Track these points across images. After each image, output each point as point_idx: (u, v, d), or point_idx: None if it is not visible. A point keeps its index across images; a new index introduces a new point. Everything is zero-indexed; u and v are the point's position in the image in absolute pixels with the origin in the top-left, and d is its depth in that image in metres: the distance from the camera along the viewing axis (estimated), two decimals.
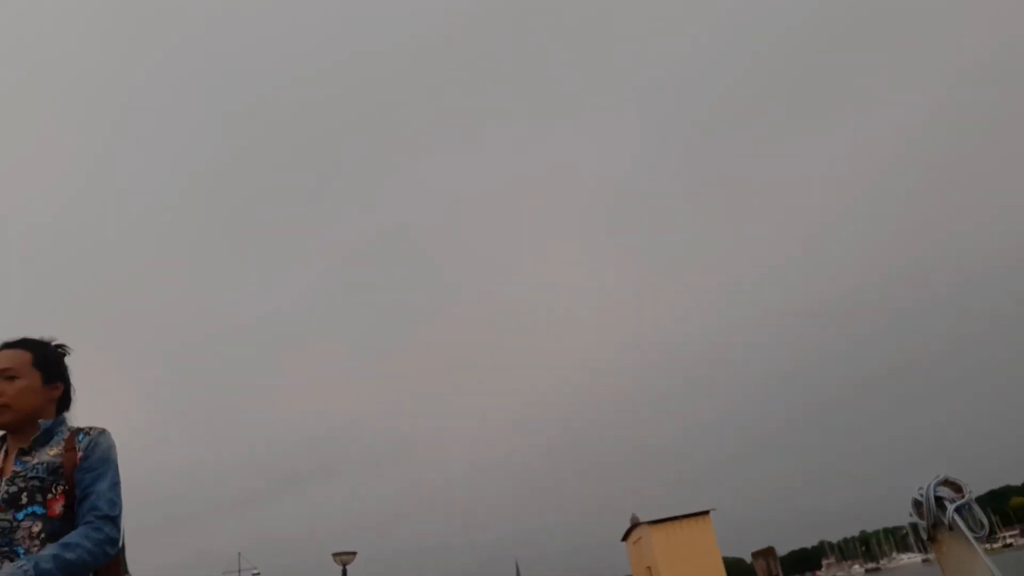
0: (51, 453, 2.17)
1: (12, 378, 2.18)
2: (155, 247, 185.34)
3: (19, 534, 2.04)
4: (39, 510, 2.08)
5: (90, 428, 2.28)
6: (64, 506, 2.11)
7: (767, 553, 17.33)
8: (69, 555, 1.95)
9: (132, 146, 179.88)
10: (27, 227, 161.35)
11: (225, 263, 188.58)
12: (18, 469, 2.13)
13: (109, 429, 2.28)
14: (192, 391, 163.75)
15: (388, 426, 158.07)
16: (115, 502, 2.15)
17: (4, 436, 2.27)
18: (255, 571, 45.58)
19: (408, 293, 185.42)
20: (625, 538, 22.35)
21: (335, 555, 17.75)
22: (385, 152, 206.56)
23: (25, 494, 2.09)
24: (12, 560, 1.98)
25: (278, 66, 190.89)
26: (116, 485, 2.19)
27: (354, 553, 17.70)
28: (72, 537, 2.01)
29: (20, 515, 2.07)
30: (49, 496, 2.10)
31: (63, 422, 2.28)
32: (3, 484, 2.11)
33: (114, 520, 2.11)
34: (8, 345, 2.26)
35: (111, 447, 2.25)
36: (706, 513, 17.74)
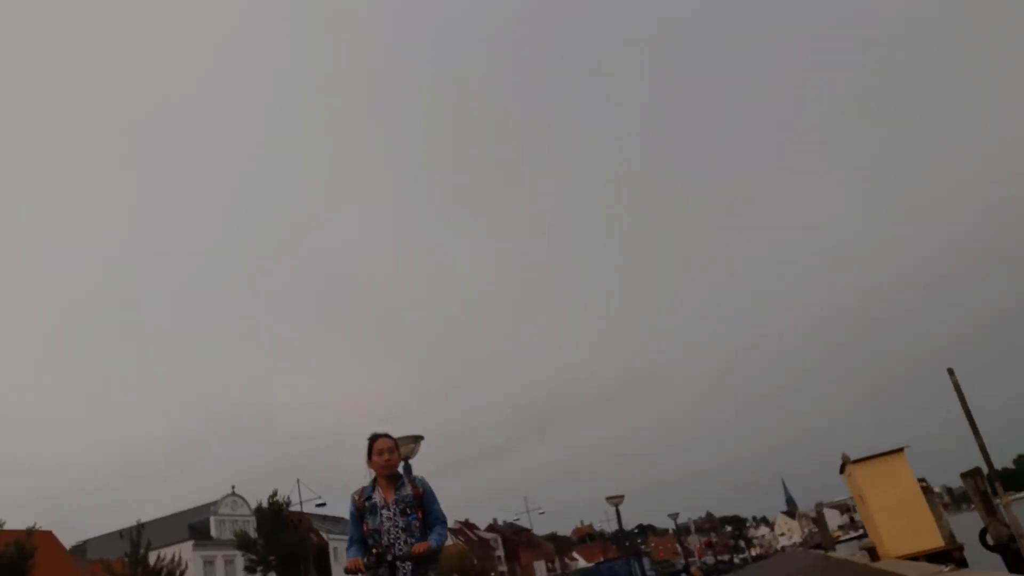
0: (406, 492, 4.58)
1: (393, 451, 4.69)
2: None
3: (411, 529, 4.47)
4: (414, 519, 4.50)
5: (414, 476, 4.72)
6: (420, 518, 4.52)
7: (974, 473, 19.81)
8: (441, 538, 4.49)
9: None
10: None
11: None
12: (397, 498, 4.53)
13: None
14: (441, 356, 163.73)
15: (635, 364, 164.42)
16: (443, 514, 4.63)
17: (374, 481, 4.63)
18: (540, 511, 55.79)
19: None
20: (841, 472, 28.63)
21: (608, 499, 21.26)
22: None
23: (409, 509, 4.51)
24: (410, 543, 4.40)
25: None
26: (439, 504, 4.64)
27: (622, 496, 21.19)
28: (435, 531, 4.50)
29: (411, 518, 4.49)
30: (416, 512, 4.52)
31: (405, 474, 4.79)
32: (392, 505, 4.49)
33: (445, 523, 4.63)
34: (387, 436, 4.72)
35: (428, 483, 4.65)
36: (900, 451, 22.53)
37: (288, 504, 39.72)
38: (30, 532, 37.30)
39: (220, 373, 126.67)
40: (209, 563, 53.92)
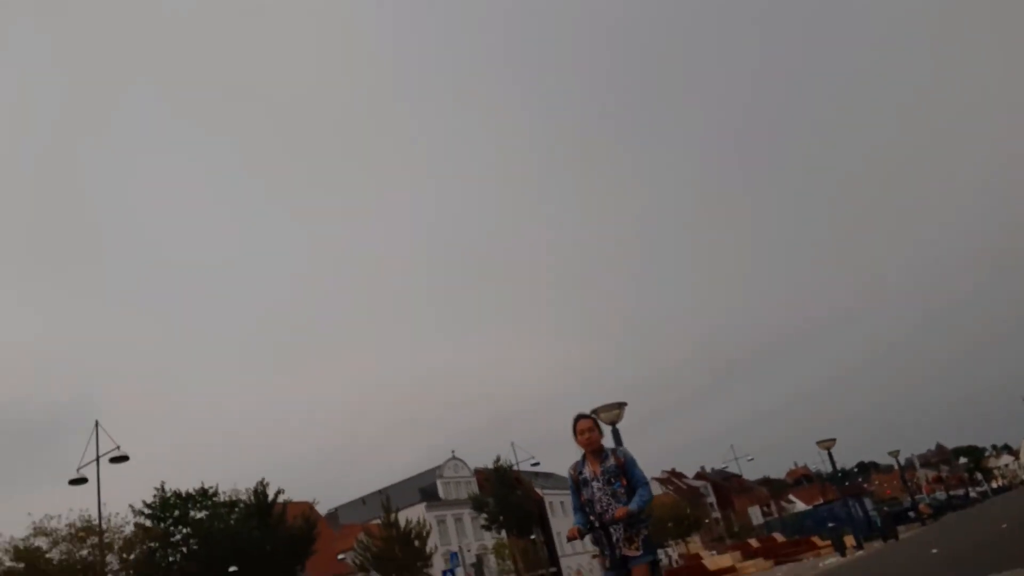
0: (610, 463, 5.17)
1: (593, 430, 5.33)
2: None
3: (617, 495, 5.03)
4: (619, 486, 5.06)
5: (616, 448, 5.39)
6: (624, 485, 5.07)
7: None
8: (643, 500, 4.96)
9: None
10: None
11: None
12: (603, 470, 5.15)
13: None
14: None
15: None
16: (644, 477, 5.16)
17: (583, 456, 5.27)
18: (749, 458, 59.80)
19: None
20: None
21: (819, 443, 22.59)
22: None
23: (613, 478, 5.09)
24: (617, 507, 4.95)
25: None
26: (639, 471, 5.18)
27: (833, 440, 22.48)
28: (636, 495, 4.98)
29: (616, 486, 5.06)
30: (620, 480, 5.08)
31: (607, 448, 5.33)
32: (600, 477, 5.11)
33: (648, 485, 5.14)
34: (587, 416, 5.38)
35: (629, 453, 5.31)
36: None
37: (510, 466, 42.90)
38: (311, 506, 43.08)
39: (429, 343, 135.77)
40: (441, 522, 59.30)
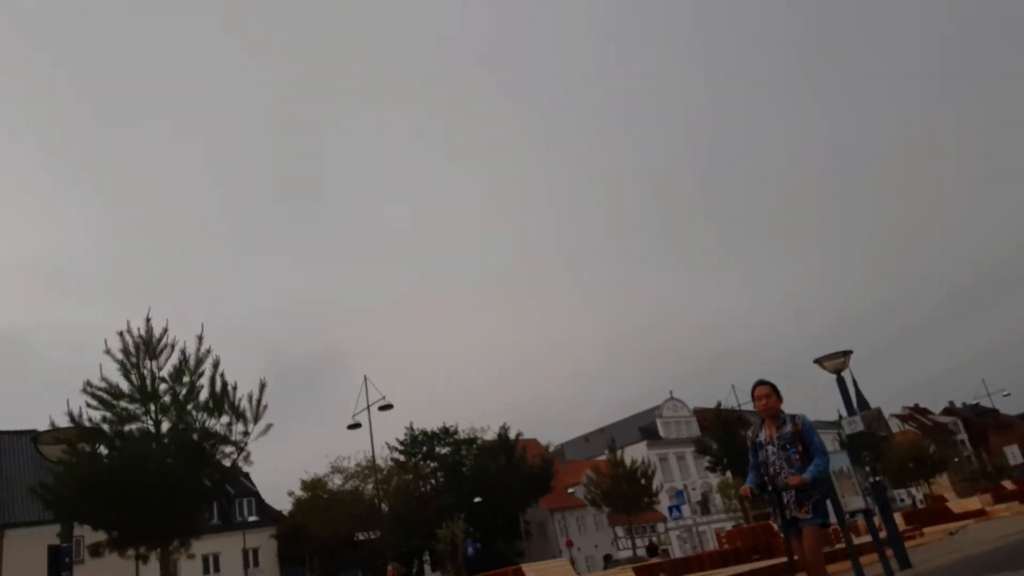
0: (786, 429, 5.28)
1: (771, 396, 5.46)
2: None
3: (791, 461, 5.17)
4: (793, 452, 5.19)
5: (795, 415, 5.40)
6: (801, 451, 5.18)
7: None
8: (818, 469, 5.07)
9: None
10: None
11: None
12: (779, 435, 5.28)
13: None
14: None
15: None
16: (822, 446, 5.29)
17: (761, 420, 5.43)
18: (1005, 392, 58.01)
19: None
20: None
21: None
22: None
23: (788, 444, 5.22)
24: (791, 473, 5.09)
25: None
26: (817, 439, 5.24)
27: None
28: (812, 464, 5.11)
29: (791, 452, 5.19)
30: (796, 446, 5.16)
31: (786, 415, 5.39)
32: (775, 441, 5.28)
33: (826, 455, 5.28)
34: (765, 383, 5.46)
35: (808, 420, 5.36)
36: None
37: (732, 408, 43.16)
38: (549, 447, 46.69)
39: (645, 280, 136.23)
40: (663, 460, 60.57)
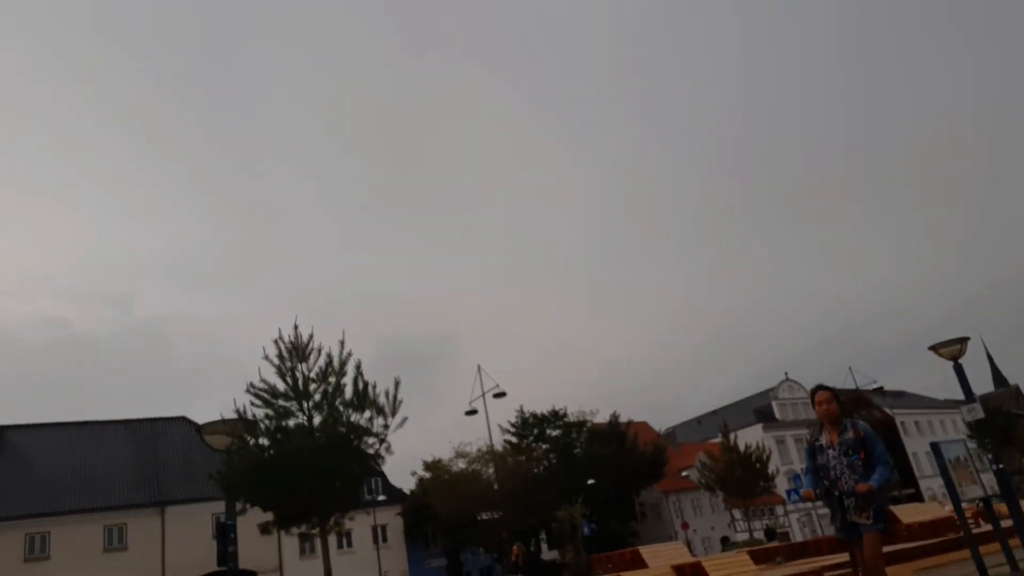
0: (848, 435, 5.34)
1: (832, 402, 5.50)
2: None
3: (854, 467, 5.21)
4: (856, 459, 5.26)
5: (856, 421, 5.42)
6: (863, 459, 5.22)
7: None
8: (883, 477, 5.11)
9: None
10: None
11: None
12: (840, 440, 5.35)
13: None
14: None
15: None
16: (885, 455, 5.27)
17: (821, 424, 5.52)
18: None
19: None
20: None
21: None
22: None
23: (851, 450, 5.27)
24: (853, 479, 5.19)
25: None
26: (881, 445, 5.28)
27: None
28: (877, 471, 5.14)
29: (853, 458, 5.26)
30: (859, 453, 5.25)
31: (848, 421, 5.45)
32: (836, 446, 5.34)
33: (889, 464, 5.27)
34: (826, 388, 5.52)
35: (870, 428, 5.39)
36: None
37: (852, 389, 42.01)
38: (662, 434, 47.34)
39: (757, 260, 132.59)
40: (780, 442, 59.24)
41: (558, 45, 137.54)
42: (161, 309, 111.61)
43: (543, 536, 47.37)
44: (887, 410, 70.27)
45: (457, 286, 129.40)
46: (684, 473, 43.30)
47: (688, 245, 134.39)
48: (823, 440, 5.43)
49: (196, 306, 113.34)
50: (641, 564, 12.75)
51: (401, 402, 12.22)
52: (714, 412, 68.81)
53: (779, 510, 53.75)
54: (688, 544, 50.31)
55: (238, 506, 11.12)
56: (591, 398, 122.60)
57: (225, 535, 12.54)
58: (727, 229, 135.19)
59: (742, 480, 34.51)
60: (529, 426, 53.00)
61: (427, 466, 44.48)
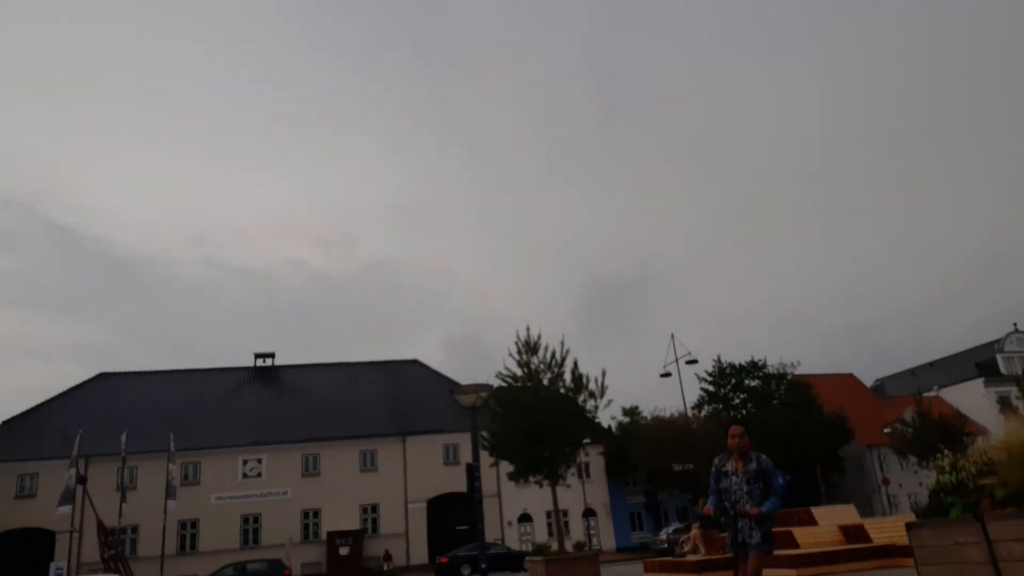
0: (752, 466, 6.02)
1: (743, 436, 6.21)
2: None
3: (752, 494, 5.94)
4: (755, 488, 5.93)
5: (760, 455, 6.06)
6: (761, 488, 5.92)
7: None
8: (774, 506, 5.92)
9: None
10: None
11: None
12: (745, 470, 6.04)
13: None
14: None
15: None
16: (781, 489, 5.97)
17: (730, 452, 6.18)
18: None
19: None
20: None
21: None
22: None
23: (752, 479, 5.97)
24: (749, 505, 5.90)
25: None
26: (779, 480, 5.95)
27: None
28: (769, 500, 5.89)
29: (753, 487, 5.97)
30: (759, 483, 5.95)
31: (754, 454, 6.15)
32: (740, 474, 6.02)
33: (783, 496, 5.97)
34: (739, 424, 6.33)
35: (771, 463, 6.08)
36: None
37: None
38: (840, 414, 47.80)
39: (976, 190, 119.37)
40: (1003, 398, 55.59)
41: None
42: (385, 250, 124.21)
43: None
44: None
45: (662, 227, 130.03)
46: (887, 430, 43.04)
47: (918, 170, 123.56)
48: (729, 467, 6.15)
49: (417, 246, 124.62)
50: (812, 522, 15.14)
51: (607, 387, 15.55)
52: (931, 364, 65.47)
53: None
54: (890, 499, 49.91)
55: (506, 470, 15.39)
56: (801, 344, 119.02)
57: (472, 473, 16.87)
58: (956, 155, 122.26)
59: (935, 447, 34.31)
60: (727, 376, 54.45)
61: (625, 411, 48.11)
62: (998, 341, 60.22)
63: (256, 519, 40.77)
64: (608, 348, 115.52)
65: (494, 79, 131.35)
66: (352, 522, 41.61)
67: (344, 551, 39.31)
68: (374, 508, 42.49)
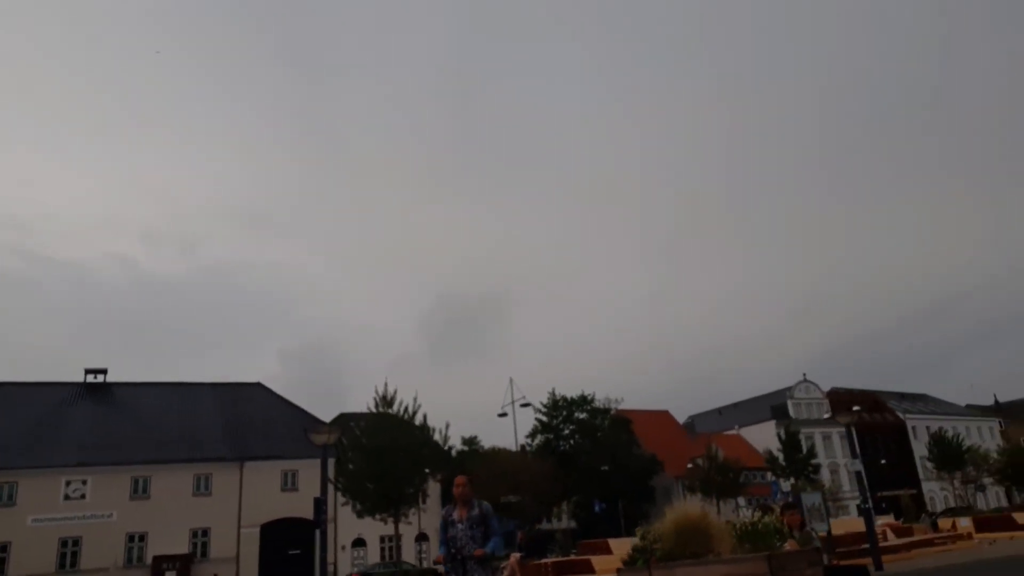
0: (475, 513, 6.46)
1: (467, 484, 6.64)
2: None
3: (475, 538, 6.33)
4: (478, 532, 6.35)
5: (482, 502, 6.59)
6: (483, 532, 6.36)
7: None
8: (495, 546, 6.41)
9: None
10: None
11: None
12: (468, 516, 6.45)
13: None
14: None
15: None
16: (499, 530, 6.56)
17: (455, 502, 6.63)
18: None
19: None
20: None
21: None
22: None
23: (475, 524, 6.39)
24: (470, 550, 6.28)
25: None
26: (496, 523, 6.53)
27: None
28: (491, 541, 6.36)
29: (476, 531, 6.35)
30: (481, 527, 6.38)
31: (475, 501, 6.56)
32: (465, 521, 6.42)
33: (501, 537, 6.55)
34: (463, 475, 6.84)
35: (491, 508, 6.58)
36: None
37: (871, 392, 46.94)
38: (682, 424, 52.53)
39: (792, 267, 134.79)
40: (793, 434, 64.00)
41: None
42: (227, 254, 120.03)
43: (564, 508, 53.43)
44: (900, 414, 74.11)
45: (515, 249, 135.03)
46: (690, 464, 48.66)
47: (756, 228, 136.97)
48: (455, 516, 6.53)
49: (262, 253, 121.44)
50: (608, 551, 18.37)
51: (449, 426, 18.17)
52: (735, 405, 73.60)
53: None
54: None
55: (343, 500, 17.39)
56: (628, 379, 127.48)
57: (318, 507, 18.79)
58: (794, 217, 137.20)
59: (720, 485, 40.04)
60: (559, 408, 58.72)
61: (464, 440, 50.86)
62: (790, 388, 69.11)
63: (76, 542, 39.23)
64: (455, 365, 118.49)
65: (358, 89, 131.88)
66: (181, 546, 41.04)
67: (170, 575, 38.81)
68: (205, 532, 42.10)
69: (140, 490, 41.60)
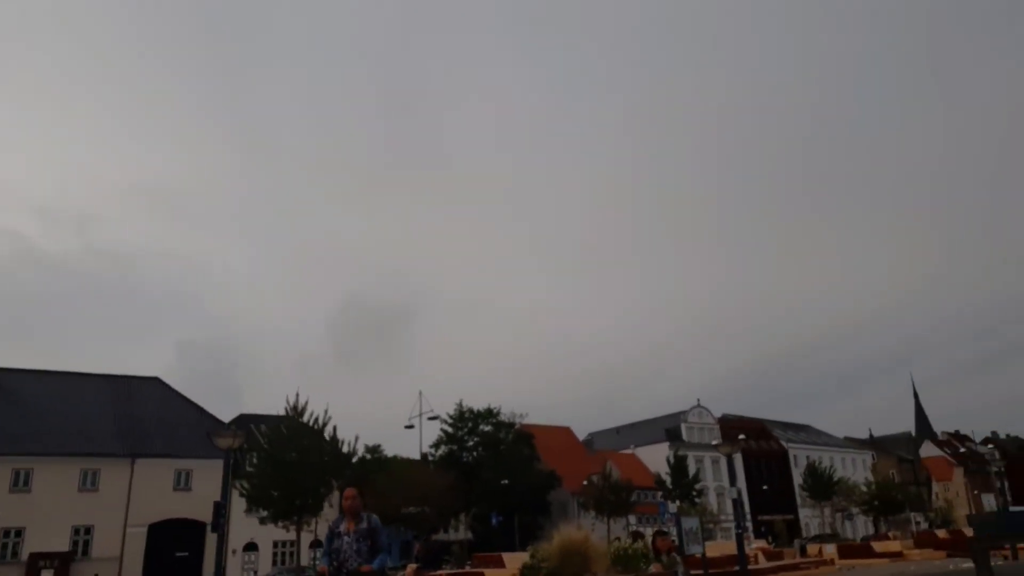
0: (363, 526, 6.26)
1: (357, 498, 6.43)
2: None
3: (361, 552, 6.14)
4: (364, 545, 6.17)
5: (371, 515, 6.40)
6: (370, 546, 6.18)
7: None
8: (382, 562, 6.21)
9: None
10: None
11: None
12: (356, 529, 6.24)
13: None
14: None
15: None
16: (384, 546, 6.35)
17: (343, 514, 6.45)
18: None
19: None
20: None
21: None
22: None
23: (362, 538, 6.22)
24: (359, 563, 6.13)
25: None
26: (383, 538, 6.32)
27: None
28: (378, 557, 6.18)
29: (362, 544, 6.18)
30: (367, 541, 6.20)
31: (364, 515, 6.39)
32: (352, 534, 6.22)
33: (387, 552, 6.56)
34: (352, 487, 6.49)
35: (379, 522, 6.36)
36: None
37: (756, 420, 49.76)
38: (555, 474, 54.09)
39: (688, 288, 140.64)
40: (681, 459, 67.08)
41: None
42: (127, 237, 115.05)
43: (462, 519, 54.11)
44: (784, 443, 78.71)
45: (427, 260, 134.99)
46: (585, 482, 50.35)
47: (662, 248, 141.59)
48: (342, 528, 6.39)
49: (168, 242, 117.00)
50: (501, 564, 19.31)
51: (358, 439, 18.74)
52: (632, 425, 76.35)
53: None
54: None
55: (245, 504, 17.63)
56: (536, 391, 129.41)
57: (218, 510, 18.95)
58: (698, 238, 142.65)
59: (613, 504, 42.04)
60: (465, 420, 59.48)
61: (368, 449, 50.88)
62: (684, 412, 72.36)
63: None
64: (360, 372, 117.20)
65: (287, 82, 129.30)
66: (62, 544, 39.40)
67: (47, 574, 37.23)
68: (88, 530, 40.56)
69: (20, 483, 39.75)
